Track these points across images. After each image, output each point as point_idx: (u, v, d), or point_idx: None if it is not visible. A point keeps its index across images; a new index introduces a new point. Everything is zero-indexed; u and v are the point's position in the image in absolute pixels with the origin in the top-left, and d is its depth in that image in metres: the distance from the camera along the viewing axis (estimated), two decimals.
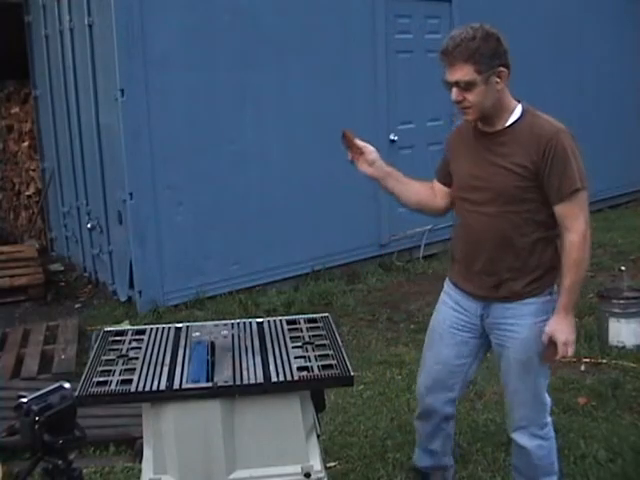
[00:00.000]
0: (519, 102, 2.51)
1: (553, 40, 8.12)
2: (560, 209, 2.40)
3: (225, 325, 2.35)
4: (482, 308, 2.58)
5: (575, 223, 2.40)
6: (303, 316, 2.48)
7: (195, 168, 5.57)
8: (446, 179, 2.67)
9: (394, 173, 2.66)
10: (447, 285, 2.72)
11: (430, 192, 2.71)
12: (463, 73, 2.34)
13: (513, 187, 2.40)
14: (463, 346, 2.65)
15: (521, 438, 2.64)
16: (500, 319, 2.55)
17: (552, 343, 2.44)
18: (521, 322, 2.51)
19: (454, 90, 2.38)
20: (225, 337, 2.23)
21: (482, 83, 2.35)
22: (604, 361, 4.35)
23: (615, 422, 3.61)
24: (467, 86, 2.35)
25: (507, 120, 2.45)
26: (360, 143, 2.63)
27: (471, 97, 2.37)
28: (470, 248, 2.54)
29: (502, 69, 2.39)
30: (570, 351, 2.43)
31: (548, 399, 2.68)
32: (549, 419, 2.68)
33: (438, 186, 2.72)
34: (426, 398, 2.75)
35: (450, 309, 2.67)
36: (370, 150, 2.63)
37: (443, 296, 2.73)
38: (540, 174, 2.38)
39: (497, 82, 2.39)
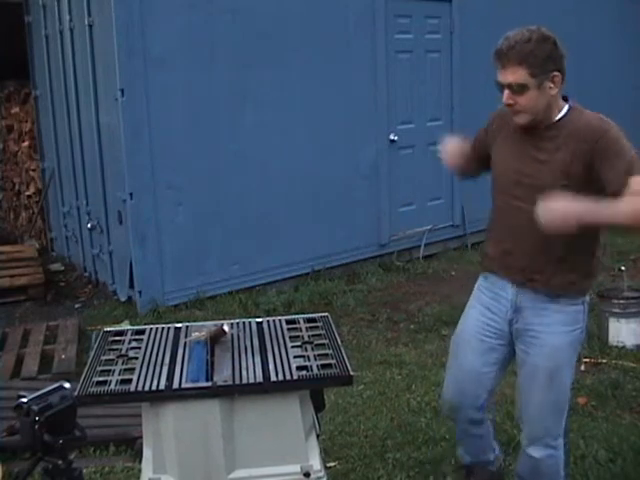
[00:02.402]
0: (566, 100, 2.45)
1: None
2: (622, 192, 2.22)
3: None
4: (513, 311, 2.53)
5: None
6: (302, 316, 2.48)
7: (195, 168, 5.57)
8: (477, 153, 2.68)
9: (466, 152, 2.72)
10: (480, 283, 2.67)
11: (463, 146, 2.74)
12: (516, 76, 2.30)
13: (560, 185, 2.32)
14: (491, 353, 2.62)
15: (535, 450, 2.60)
16: (529, 325, 2.50)
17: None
18: (550, 330, 2.48)
19: (506, 92, 2.34)
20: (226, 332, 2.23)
21: (535, 87, 2.30)
22: (604, 361, 4.35)
23: (615, 422, 3.61)
24: (519, 89, 2.31)
25: (555, 117, 2.40)
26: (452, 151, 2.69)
27: (523, 101, 2.33)
28: (508, 244, 2.48)
29: (556, 74, 2.32)
30: (556, 222, 2.19)
31: (565, 415, 2.63)
32: (562, 431, 2.63)
33: (468, 147, 2.73)
34: (451, 403, 2.74)
35: (479, 314, 2.63)
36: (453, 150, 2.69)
37: (472, 301, 2.69)
38: (590, 171, 2.30)
39: (551, 87, 2.33)
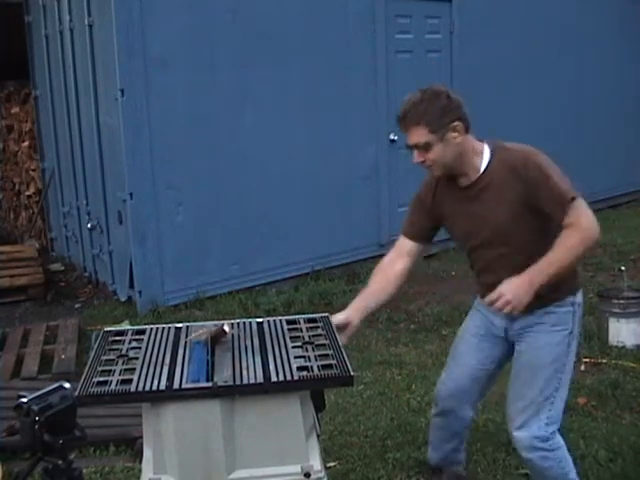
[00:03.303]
0: (483, 142, 2.54)
1: (553, 40, 8.12)
2: (566, 221, 2.37)
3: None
4: (507, 321, 2.63)
5: (577, 224, 2.36)
6: (303, 316, 2.47)
7: (195, 168, 5.58)
8: (423, 234, 2.71)
9: (362, 307, 2.60)
10: (477, 300, 2.79)
11: (386, 278, 2.66)
12: (418, 136, 2.43)
13: (516, 223, 2.46)
14: (488, 352, 2.71)
15: (526, 452, 2.59)
16: (521, 329, 2.61)
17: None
18: (540, 329, 2.57)
19: (415, 152, 2.48)
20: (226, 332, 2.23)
21: (438, 141, 2.42)
22: (604, 361, 4.35)
23: (615, 422, 3.61)
24: (425, 147, 2.43)
25: (480, 166, 2.50)
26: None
27: (432, 156, 2.45)
28: (491, 280, 2.53)
29: (457, 123, 2.42)
30: (507, 309, 2.34)
31: (558, 416, 2.60)
32: (554, 434, 2.59)
33: (407, 244, 2.73)
34: (446, 401, 2.79)
35: (482, 323, 2.73)
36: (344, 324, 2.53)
37: (475, 312, 2.80)
38: (530, 199, 2.41)
39: (455, 137, 2.43)
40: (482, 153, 2.51)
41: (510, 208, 2.45)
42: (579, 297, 2.63)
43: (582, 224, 2.37)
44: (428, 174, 2.63)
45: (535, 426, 2.56)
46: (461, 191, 2.55)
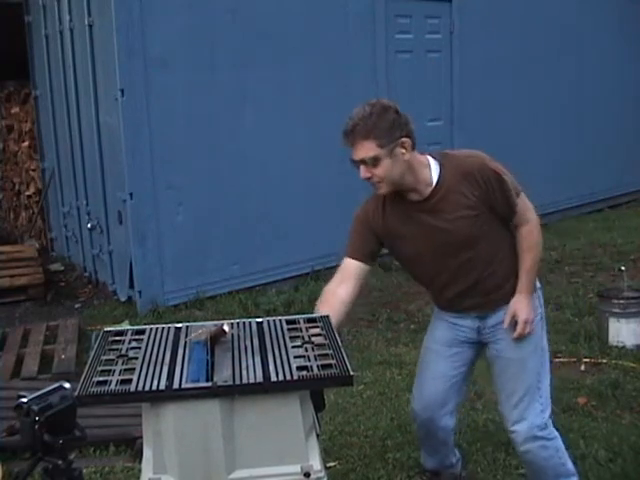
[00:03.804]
0: (424, 154, 2.51)
1: (553, 40, 8.12)
2: (515, 219, 2.54)
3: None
4: (479, 321, 2.66)
5: (526, 219, 2.54)
6: (303, 316, 2.47)
7: (195, 168, 5.58)
8: (371, 255, 2.65)
9: None
10: (438, 311, 2.78)
11: (331, 309, 2.48)
12: (366, 150, 2.37)
13: (475, 229, 2.49)
14: (458, 356, 2.74)
15: (525, 445, 2.62)
16: (495, 325, 2.63)
17: (515, 322, 2.57)
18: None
19: (362, 168, 2.42)
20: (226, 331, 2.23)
21: (386, 156, 2.37)
22: (604, 361, 4.35)
23: (615, 422, 3.61)
24: (372, 162, 2.38)
25: (431, 178, 2.47)
26: None
27: (378, 171, 2.40)
28: (455, 291, 2.61)
29: (405, 139, 2.38)
30: (529, 328, 2.56)
31: (548, 400, 2.68)
32: (549, 420, 2.66)
33: (354, 266, 2.66)
34: (423, 414, 2.78)
35: (446, 332, 2.73)
36: None
37: (436, 321, 2.80)
38: (487, 202, 2.47)
39: (403, 153, 2.39)
40: (429, 166, 2.48)
41: (469, 214, 2.47)
42: (537, 282, 2.70)
43: (530, 218, 2.55)
44: (371, 194, 2.59)
45: (532, 415, 2.60)
46: (414, 206, 2.51)
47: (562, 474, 2.70)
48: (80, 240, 6.60)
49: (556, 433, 2.68)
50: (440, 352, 2.74)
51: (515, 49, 7.68)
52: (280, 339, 2.25)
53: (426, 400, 2.76)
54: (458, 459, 3.03)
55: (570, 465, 2.72)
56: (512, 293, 2.58)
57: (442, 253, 2.54)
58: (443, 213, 2.48)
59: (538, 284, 2.70)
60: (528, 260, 2.55)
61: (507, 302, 2.59)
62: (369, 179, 2.44)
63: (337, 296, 2.58)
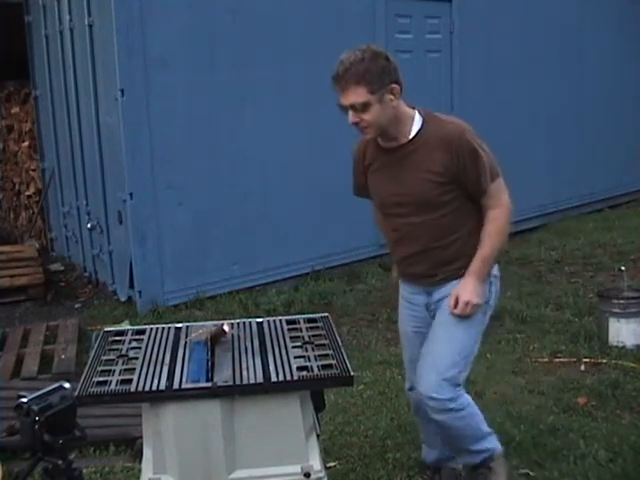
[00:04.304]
0: (414, 109, 2.56)
1: (553, 40, 8.12)
2: (484, 200, 2.55)
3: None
4: (426, 297, 2.70)
5: (498, 202, 2.55)
6: (303, 316, 2.48)
7: (195, 168, 5.57)
8: (366, 191, 2.75)
9: None
10: (401, 285, 2.85)
11: None
12: (356, 95, 2.39)
13: (433, 195, 2.50)
14: (424, 335, 2.73)
15: (437, 416, 2.60)
16: (440, 299, 2.65)
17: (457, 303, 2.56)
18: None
19: (350, 113, 2.44)
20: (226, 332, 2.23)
21: (376, 102, 2.40)
22: (604, 361, 4.35)
23: (615, 422, 3.61)
24: (362, 107, 2.40)
25: (410, 131, 2.51)
26: None
27: (367, 117, 2.42)
28: (404, 252, 2.66)
29: (394, 85, 2.43)
30: (469, 310, 2.53)
31: (465, 376, 2.65)
32: (463, 392, 2.63)
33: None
34: (414, 395, 2.80)
35: (407, 310, 2.81)
36: None
37: (400, 300, 2.86)
38: (456, 175, 2.47)
39: (391, 99, 2.43)
40: (413, 119, 2.52)
41: (432, 178, 2.48)
42: (495, 270, 2.68)
43: (503, 202, 2.55)
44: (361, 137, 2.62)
45: (446, 388, 2.56)
46: (387, 154, 2.57)
47: (479, 437, 2.70)
48: (80, 240, 6.59)
49: (468, 400, 2.65)
50: (408, 335, 2.81)
51: (515, 49, 7.68)
52: (280, 339, 2.25)
53: (412, 380, 2.80)
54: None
55: (485, 427, 2.72)
56: (462, 273, 2.57)
57: (395, 205, 2.59)
58: (407, 169, 2.52)
59: (497, 272, 2.69)
60: (487, 246, 2.54)
61: (454, 280, 2.59)
62: (357, 124, 2.46)
63: None
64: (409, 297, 2.78)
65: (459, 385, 2.61)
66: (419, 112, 2.54)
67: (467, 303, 2.53)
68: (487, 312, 2.67)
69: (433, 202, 2.51)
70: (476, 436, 2.69)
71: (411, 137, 2.50)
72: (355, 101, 2.39)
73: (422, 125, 2.51)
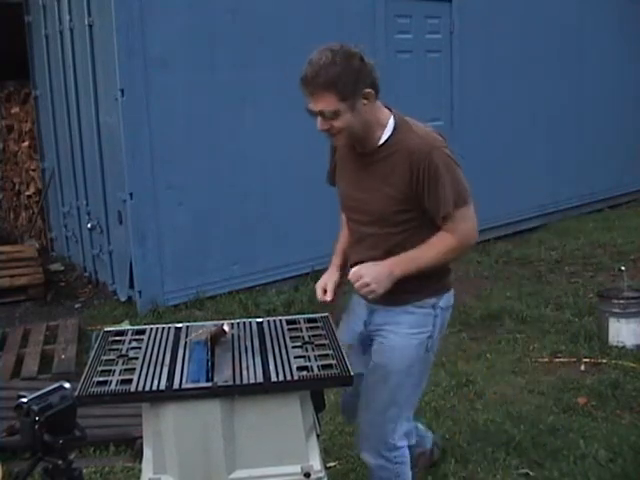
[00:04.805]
0: (391, 111, 2.35)
1: (553, 40, 8.12)
2: (440, 222, 2.32)
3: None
4: (367, 314, 2.52)
5: (454, 231, 2.32)
6: (303, 316, 2.48)
7: (195, 168, 5.57)
8: (332, 180, 2.61)
9: (338, 262, 2.63)
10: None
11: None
12: (326, 103, 2.18)
13: (392, 211, 2.32)
14: (365, 354, 2.54)
15: (367, 455, 2.52)
16: (379, 325, 2.46)
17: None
18: (396, 330, 2.42)
19: (319, 119, 2.24)
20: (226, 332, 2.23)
21: (348, 110, 2.19)
22: (604, 361, 4.35)
23: (615, 422, 3.61)
24: (332, 115, 2.19)
25: (380, 138, 2.30)
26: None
27: (338, 124, 2.22)
28: (356, 259, 2.45)
29: (369, 90, 2.20)
30: (365, 291, 2.29)
31: (404, 424, 2.51)
32: (402, 444, 2.50)
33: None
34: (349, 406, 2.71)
35: (348, 317, 2.65)
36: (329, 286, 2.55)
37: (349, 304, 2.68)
38: (416, 195, 2.27)
39: (365, 104, 2.21)
40: (385, 126, 2.30)
41: (391, 194, 2.29)
42: (444, 301, 2.46)
43: (457, 233, 2.31)
44: None
45: (383, 433, 2.45)
46: (355, 156, 2.39)
47: None
48: (80, 240, 6.59)
49: (404, 459, 2.51)
50: (353, 347, 2.53)
51: (515, 49, 7.68)
52: (280, 339, 2.25)
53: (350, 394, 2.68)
54: (423, 437, 2.97)
55: None
56: (409, 297, 2.38)
57: (353, 211, 2.45)
58: (370, 178, 2.34)
59: (444, 304, 2.46)
60: (423, 251, 2.30)
61: (400, 303, 2.39)
62: (327, 131, 2.26)
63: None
64: (353, 305, 2.60)
65: (394, 432, 2.46)
66: (394, 117, 2.32)
67: (367, 285, 2.27)
68: (430, 348, 2.45)
69: (390, 219, 2.33)
70: None
71: (379, 145, 2.30)
72: (324, 108, 2.19)
73: (392, 133, 2.30)
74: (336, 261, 2.62)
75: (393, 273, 2.28)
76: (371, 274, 2.28)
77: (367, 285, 2.27)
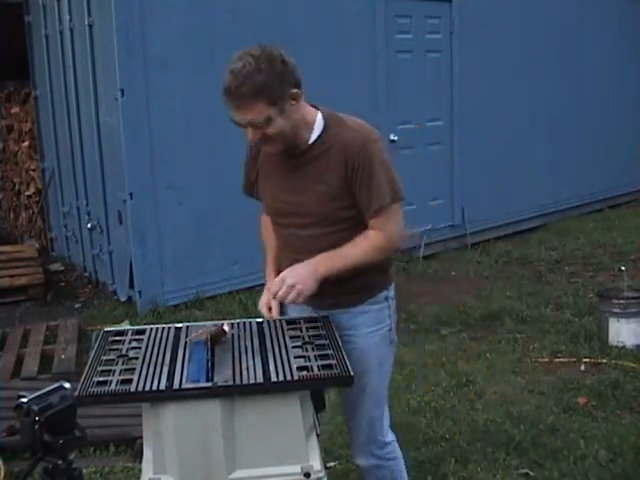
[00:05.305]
0: (317, 110, 2.29)
1: (553, 40, 8.12)
2: (371, 223, 2.26)
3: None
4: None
5: (381, 229, 2.26)
6: (303, 316, 2.47)
7: (195, 168, 5.57)
8: (256, 192, 2.48)
9: (272, 267, 2.49)
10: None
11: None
12: (255, 112, 2.09)
13: (332, 209, 2.24)
14: None
15: (361, 459, 2.50)
16: (341, 330, 2.32)
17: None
18: (357, 332, 2.36)
19: (250, 130, 2.14)
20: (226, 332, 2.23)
21: (278, 114, 2.11)
22: (604, 361, 4.35)
23: (615, 422, 3.61)
24: (264, 122, 2.11)
25: (309, 137, 2.24)
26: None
27: (271, 130, 2.13)
28: (285, 261, 2.36)
29: (295, 90, 2.15)
30: (291, 296, 2.17)
31: (386, 418, 2.51)
32: (391, 438, 2.51)
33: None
34: None
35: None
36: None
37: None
38: (351, 187, 2.21)
39: (292, 105, 2.15)
40: (314, 124, 2.24)
41: (325, 189, 2.22)
42: (392, 291, 2.44)
43: (385, 231, 2.26)
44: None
45: (372, 433, 2.45)
46: (285, 159, 2.28)
47: None
48: (80, 240, 6.60)
49: (397, 454, 2.52)
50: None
51: (515, 49, 7.68)
52: (280, 339, 2.25)
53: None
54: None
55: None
56: (361, 296, 2.34)
57: (286, 216, 2.34)
58: (303, 179, 2.25)
59: (392, 292, 2.44)
60: (349, 249, 2.22)
61: (354, 304, 2.34)
62: (260, 140, 2.17)
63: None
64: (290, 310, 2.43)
65: (386, 431, 2.48)
66: (322, 114, 2.27)
67: (292, 286, 2.16)
68: (392, 339, 2.44)
69: (331, 216, 2.24)
70: None
71: (310, 144, 2.23)
72: (254, 118, 2.10)
73: (323, 130, 2.23)
74: (272, 273, 2.47)
75: (318, 271, 2.19)
76: (294, 276, 2.18)
77: (292, 287, 2.16)
